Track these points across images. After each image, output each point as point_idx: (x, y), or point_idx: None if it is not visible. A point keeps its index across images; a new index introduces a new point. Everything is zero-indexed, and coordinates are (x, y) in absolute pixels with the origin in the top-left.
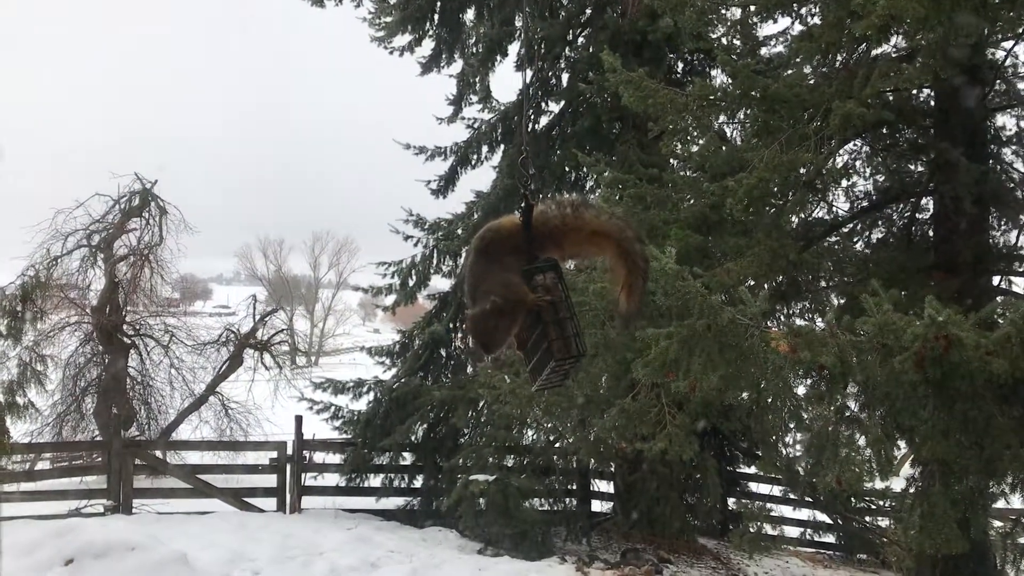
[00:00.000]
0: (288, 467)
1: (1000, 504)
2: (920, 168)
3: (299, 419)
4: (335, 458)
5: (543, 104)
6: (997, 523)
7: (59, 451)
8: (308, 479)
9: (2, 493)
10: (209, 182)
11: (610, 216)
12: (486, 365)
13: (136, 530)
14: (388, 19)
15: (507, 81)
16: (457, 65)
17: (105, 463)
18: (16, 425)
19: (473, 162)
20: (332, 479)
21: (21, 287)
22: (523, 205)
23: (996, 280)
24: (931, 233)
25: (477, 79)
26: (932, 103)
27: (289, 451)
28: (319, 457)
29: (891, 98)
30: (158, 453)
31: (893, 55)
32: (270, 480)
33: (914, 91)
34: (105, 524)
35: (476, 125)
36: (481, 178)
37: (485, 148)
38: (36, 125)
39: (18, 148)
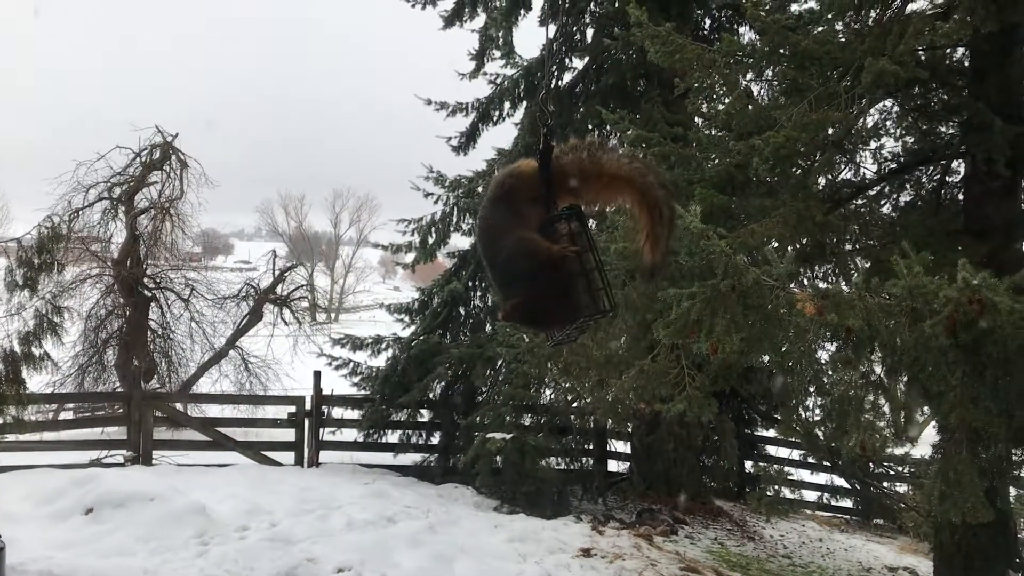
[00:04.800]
0: (306, 422)
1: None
2: (951, 130)
3: (317, 374)
4: (353, 414)
5: (567, 60)
6: (1012, 492)
7: (80, 402)
8: (326, 434)
9: (22, 442)
10: (231, 138)
11: (630, 160)
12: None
13: (156, 481)
14: None
15: (530, 36)
16: (480, 19)
17: (126, 414)
18: (36, 376)
19: (495, 119)
20: (350, 434)
21: (37, 237)
22: (542, 146)
23: None
24: (961, 197)
25: (500, 34)
26: (967, 62)
27: (307, 406)
28: (337, 412)
29: (924, 57)
30: (178, 406)
31: (929, 12)
32: (288, 434)
33: (948, 50)
34: (125, 474)
35: (498, 81)
36: (503, 135)
37: (507, 105)
38: (55, 78)
39: (38, 101)
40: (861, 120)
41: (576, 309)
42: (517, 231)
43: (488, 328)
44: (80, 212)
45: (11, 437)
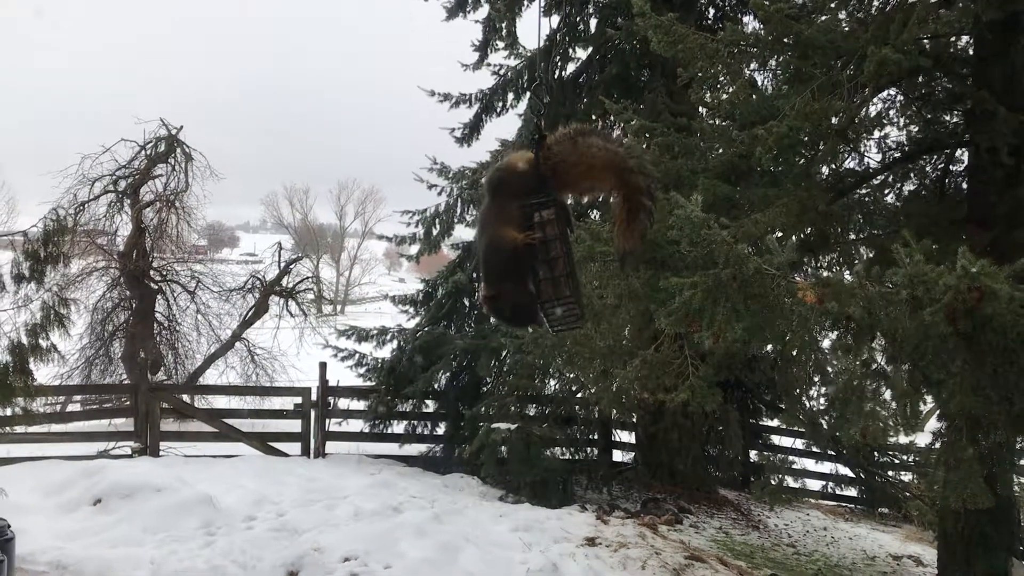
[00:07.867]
0: (312, 413)
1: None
2: (955, 119)
3: (323, 365)
4: (359, 404)
5: (570, 50)
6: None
7: (88, 393)
8: (332, 425)
9: (30, 434)
10: (236, 130)
11: (605, 145)
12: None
13: (163, 472)
14: None
15: (534, 26)
16: (483, 10)
17: (133, 406)
18: (44, 368)
19: (498, 110)
20: (356, 425)
21: (43, 230)
22: (536, 135)
23: None
24: (964, 185)
25: (503, 24)
26: (970, 51)
27: (313, 397)
28: (343, 403)
29: (928, 45)
30: (185, 397)
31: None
32: (295, 425)
33: (952, 38)
34: (133, 466)
35: (502, 72)
36: (506, 126)
37: (511, 95)
38: (61, 70)
39: (44, 94)
40: (864, 109)
41: (537, 297)
42: (494, 225)
43: (492, 319)
44: (86, 205)
45: (20, 429)
